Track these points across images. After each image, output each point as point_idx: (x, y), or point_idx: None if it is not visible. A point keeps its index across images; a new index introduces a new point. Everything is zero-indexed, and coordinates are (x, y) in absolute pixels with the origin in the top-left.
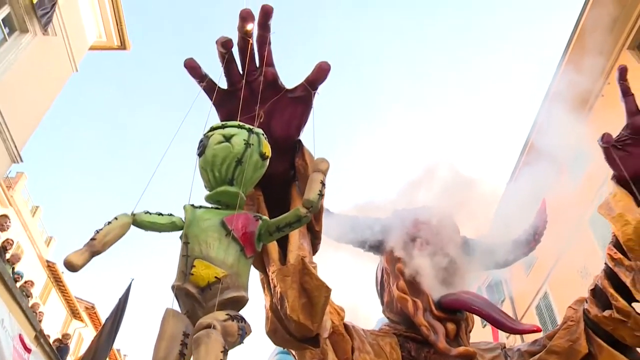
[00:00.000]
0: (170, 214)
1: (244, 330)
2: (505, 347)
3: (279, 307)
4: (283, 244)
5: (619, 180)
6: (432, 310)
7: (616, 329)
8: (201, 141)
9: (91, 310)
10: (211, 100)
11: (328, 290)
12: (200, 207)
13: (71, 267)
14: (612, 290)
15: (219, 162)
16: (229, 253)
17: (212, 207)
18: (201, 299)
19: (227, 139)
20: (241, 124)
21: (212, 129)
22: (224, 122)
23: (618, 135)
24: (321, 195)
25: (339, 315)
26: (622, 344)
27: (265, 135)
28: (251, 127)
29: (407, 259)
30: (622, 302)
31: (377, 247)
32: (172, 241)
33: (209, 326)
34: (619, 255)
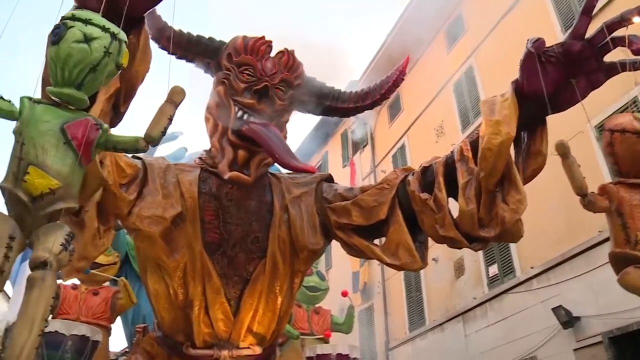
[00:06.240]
0: (10, 101)
1: (72, 251)
2: (321, 181)
3: None
4: None
5: (517, 87)
6: (228, 135)
7: (422, 212)
8: (58, 27)
9: None
10: None
11: (103, 181)
12: (40, 102)
13: None
14: (441, 179)
15: (72, 63)
16: (65, 162)
17: (51, 104)
18: (31, 207)
19: (88, 40)
20: (106, 24)
21: (74, 17)
22: (88, 16)
23: (547, 47)
24: (164, 132)
25: (123, 172)
26: (417, 226)
27: (127, 42)
28: (115, 31)
29: (228, 82)
30: (443, 194)
31: (212, 66)
32: None
33: (45, 263)
34: (469, 154)
